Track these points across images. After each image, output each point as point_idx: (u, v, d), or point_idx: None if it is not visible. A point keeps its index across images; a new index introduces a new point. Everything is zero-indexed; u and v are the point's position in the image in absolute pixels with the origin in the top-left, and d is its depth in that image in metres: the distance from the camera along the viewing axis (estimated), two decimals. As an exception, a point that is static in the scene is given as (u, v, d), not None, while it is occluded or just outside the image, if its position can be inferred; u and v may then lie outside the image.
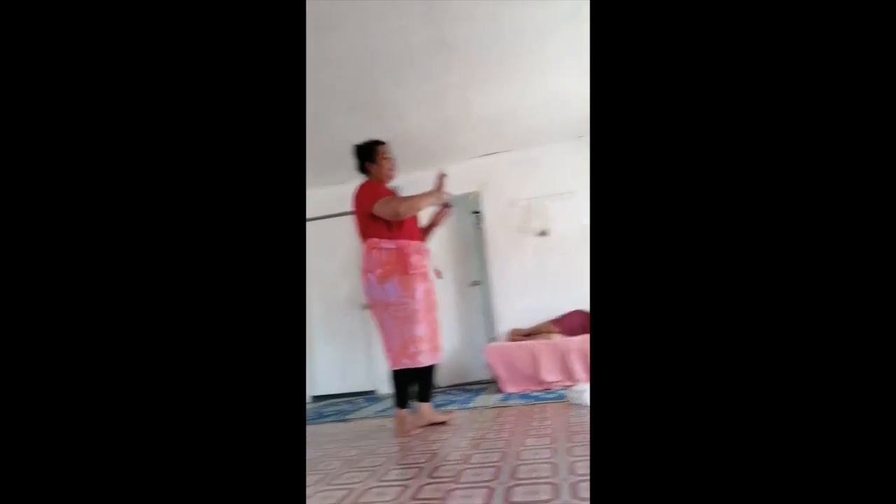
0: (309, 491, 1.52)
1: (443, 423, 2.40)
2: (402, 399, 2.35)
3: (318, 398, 4.48)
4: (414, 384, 2.39)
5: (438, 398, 3.48)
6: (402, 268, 2.25)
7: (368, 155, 2.45)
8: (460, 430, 2.25)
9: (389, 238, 2.27)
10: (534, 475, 1.39)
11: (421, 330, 2.26)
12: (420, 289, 2.29)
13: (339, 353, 4.50)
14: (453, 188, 4.39)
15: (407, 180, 4.50)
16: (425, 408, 2.40)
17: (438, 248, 4.52)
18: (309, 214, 4.52)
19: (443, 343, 2.43)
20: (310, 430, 2.82)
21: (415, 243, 2.35)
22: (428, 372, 2.37)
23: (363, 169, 2.47)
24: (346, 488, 1.51)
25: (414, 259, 2.30)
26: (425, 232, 2.52)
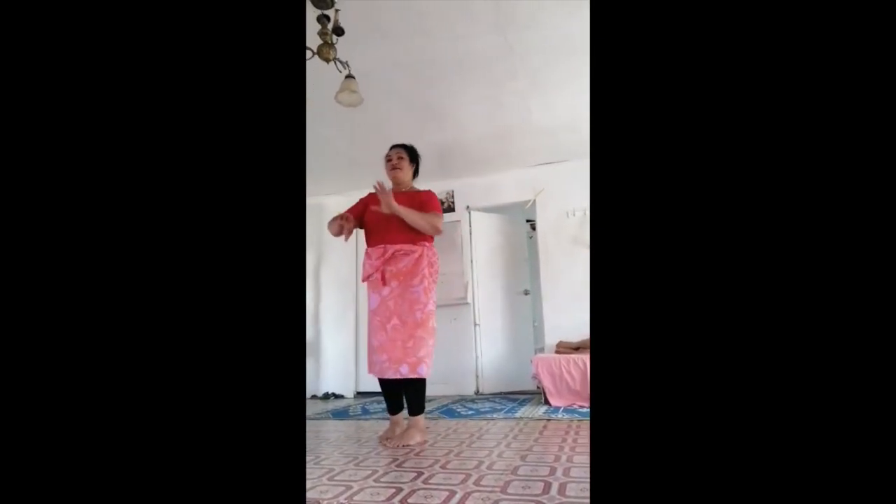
0: (355, 486, 1.55)
1: (410, 444, 2.18)
2: (388, 405, 2.37)
3: (361, 394, 4.57)
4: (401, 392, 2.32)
5: (485, 405, 3.46)
6: (363, 276, 2.33)
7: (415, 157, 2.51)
8: (504, 439, 2.23)
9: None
10: (583, 494, 1.36)
11: (375, 340, 2.22)
12: (373, 297, 2.28)
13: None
14: (509, 196, 4.38)
15: (461, 185, 4.53)
16: (408, 422, 2.28)
17: (490, 256, 4.50)
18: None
19: (428, 360, 2.20)
20: (356, 424, 2.87)
21: (371, 249, 2.33)
22: (408, 384, 2.24)
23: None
24: (394, 487, 1.52)
25: (365, 266, 2.32)
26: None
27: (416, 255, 2.28)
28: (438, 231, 2.33)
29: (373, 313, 2.28)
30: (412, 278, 2.25)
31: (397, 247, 2.28)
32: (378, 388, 4.43)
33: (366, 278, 2.32)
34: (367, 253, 2.36)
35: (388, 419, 2.59)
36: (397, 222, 2.26)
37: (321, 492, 1.53)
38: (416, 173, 2.54)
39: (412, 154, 2.50)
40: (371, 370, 2.26)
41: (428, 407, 3.58)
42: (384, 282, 2.27)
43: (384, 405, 3.80)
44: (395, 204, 2.16)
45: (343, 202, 4.91)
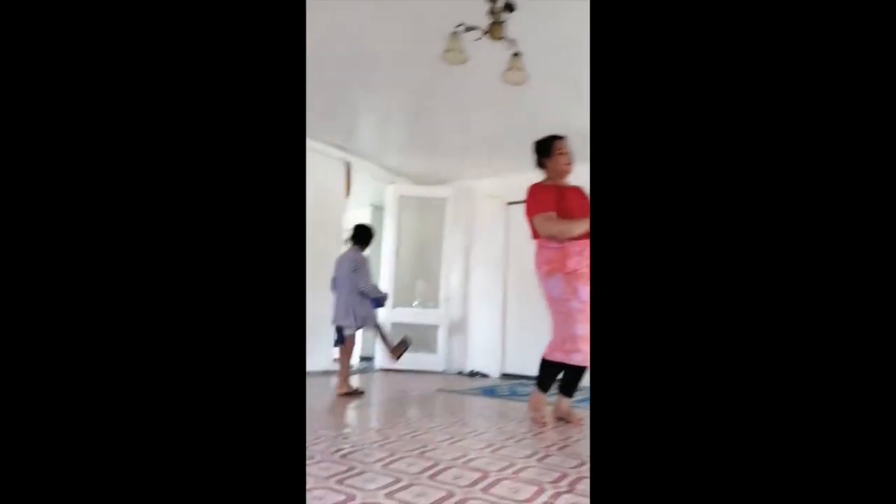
0: (519, 463, 1.56)
1: (573, 422, 2.32)
2: (544, 384, 2.40)
3: (506, 375, 4.61)
4: (558, 375, 2.39)
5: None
6: (563, 267, 2.26)
7: (545, 150, 2.42)
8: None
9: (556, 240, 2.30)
10: None
11: (580, 330, 2.22)
12: (582, 290, 2.23)
13: (532, 336, 4.54)
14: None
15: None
16: (564, 402, 2.40)
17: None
18: (511, 199, 4.62)
19: None
20: (506, 404, 2.91)
21: (579, 245, 2.27)
22: (579, 370, 2.34)
23: (540, 164, 2.45)
24: (558, 471, 1.50)
25: (573, 260, 2.26)
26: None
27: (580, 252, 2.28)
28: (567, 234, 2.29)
29: (585, 304, 2.26)
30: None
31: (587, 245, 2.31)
32: (524, 372, 4.43)
33: (571, 271, 2.29)
34: (574, 247, 2.28)
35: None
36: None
37: (487, 462, 1.56)
38: None
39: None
40: (575, 358, 2.26)
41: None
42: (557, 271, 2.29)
43: (531, 388, 3.80)
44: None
45: (495, 184, 4.97)
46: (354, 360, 5.57)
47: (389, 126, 4.17)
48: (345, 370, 3.14)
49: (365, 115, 3.98)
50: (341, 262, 3.26)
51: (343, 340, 3.23)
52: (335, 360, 4.46)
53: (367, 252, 3.28)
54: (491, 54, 2.49)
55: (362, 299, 3.14)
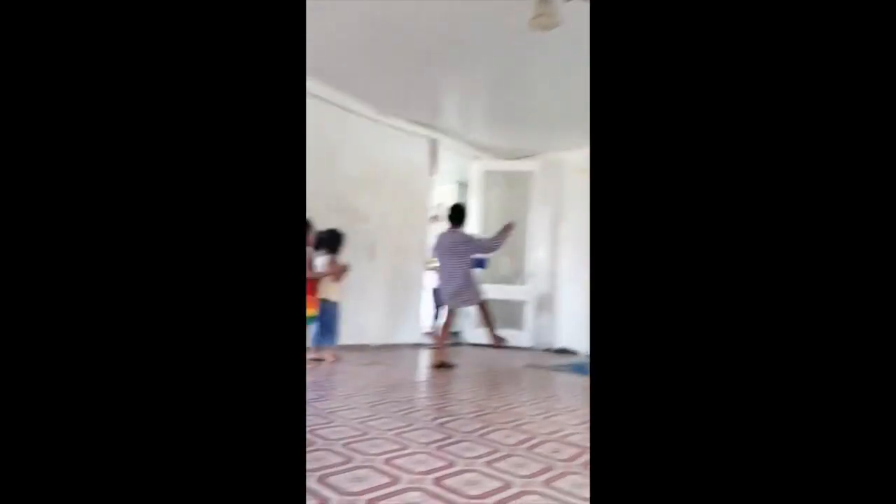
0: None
1: None
2: None
3: (559, 351, 4.48)
4: None
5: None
6: None
7: None
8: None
9: None
10: None
11: None
12: None
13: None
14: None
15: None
16: None
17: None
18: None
19: None
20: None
21: None
22: None
23: None
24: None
25: None
26: None
27: None
28: None
29: None
30: None
31: None
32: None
33: None
34: None
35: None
36: None
37: (583, 439, 1.55)
38: None
39: None
40: None
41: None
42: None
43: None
44: None
45: (584, 156, 4.77)
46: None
47: (474, 101, 4.13)
48: (441, 344, 3.25)
49: (450, 92, 3.97)
50: (443, 240, 3.29)
51: (444, 315, 3.36)
52: (428, 333, 4.61)
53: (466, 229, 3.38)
54: (579, 17, 2.36)
55: (469, 279, 3.20)
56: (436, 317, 3.71)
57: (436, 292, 4.09)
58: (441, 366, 3.11)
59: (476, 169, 5.17)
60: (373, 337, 4.20)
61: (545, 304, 4.92)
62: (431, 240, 3.90)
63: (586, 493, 1.08)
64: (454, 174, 5.87)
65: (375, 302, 4.25)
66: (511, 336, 4.76)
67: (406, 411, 1.82)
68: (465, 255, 3.17)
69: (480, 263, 3.39)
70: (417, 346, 4.52)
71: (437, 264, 3.32)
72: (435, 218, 6.29)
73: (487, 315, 3.34)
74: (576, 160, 4.84)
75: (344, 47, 3.26)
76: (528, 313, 4.88)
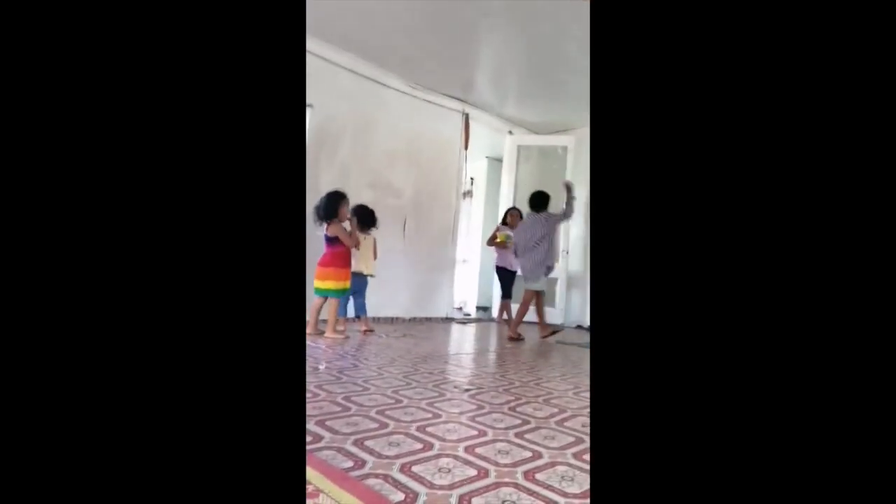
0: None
1: None
2: None
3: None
4: None
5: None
6: None
7: None
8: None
9: None
10: None
11: None
12: None
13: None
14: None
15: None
16: None
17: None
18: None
19: None
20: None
21: None
22: None
23: None
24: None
25: None
26: None
27: None
28: None
29: None
30: None
31: None
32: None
33: None
34: None
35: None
36: None
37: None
38: None
39: None
40: None
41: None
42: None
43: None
44: None
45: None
46: (472, 309, 5.77)
47: (508, 75, 4.06)
48: (518, 320, 3.60)
49: (483, 65, 3.91)
50: (525, 228, 3.66)
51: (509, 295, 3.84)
52: (499, 310, 4.63)
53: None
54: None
55: (539, 264, 3.52)
56: (503, 296, 4.30)
57: (500, 271, 4.33)
58: (516, 339, 3.49)
59: (509, 143, 5.10)
60: (404, 310, 4.28)
61: (577, 281, 4.88)
62: (462, 215, 3.94)
63: (616, 467, 1.09)
64: (487, 149, 5.81)
65: (407, 276, 4.31)
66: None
67: (438, 382, 1.86)
68: (542, 238, 3.50)
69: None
70: (448, 319, 4.58)
71: (519, 246, 3.66)
72: (468, 193, 6.27)
73: (540, 303, 3.66)
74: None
75: (378, 20, 3.24)
76: (560, 290, 4.86)
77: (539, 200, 3.65)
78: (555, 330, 3.72)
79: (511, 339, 3.49)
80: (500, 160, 5.32)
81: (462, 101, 4.59)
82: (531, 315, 3.63)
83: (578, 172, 4.87)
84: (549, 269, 3.59)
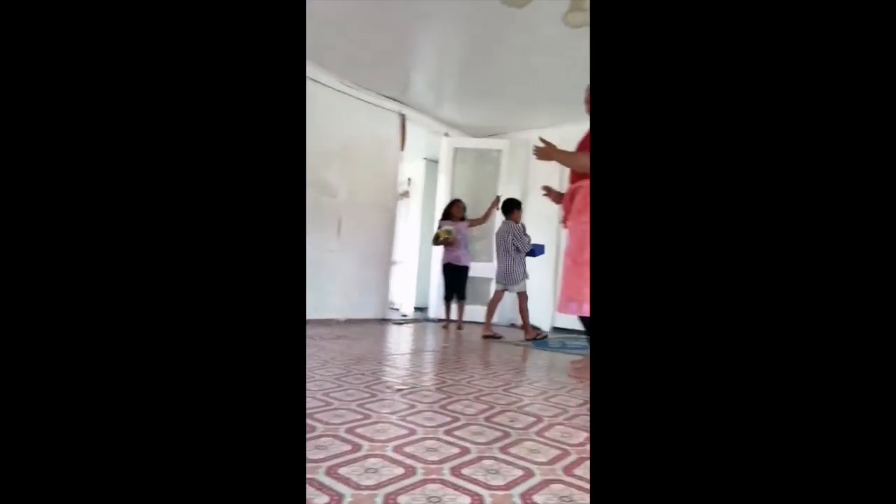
0: (571, 411, 1.60)
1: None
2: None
3: (557, 329, 4.65)
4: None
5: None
6: None
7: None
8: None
9: None
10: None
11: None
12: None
13: (587, 292, 4.51)
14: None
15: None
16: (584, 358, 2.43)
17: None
18: (571, 150, 4.47)
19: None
20: (555, 356, 2.95)
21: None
22: (585, 321, 2.32)
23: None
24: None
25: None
26: None
27: (585, 191, 2.24)
28: (582, 168, 2.25)
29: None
30: (580, 215, 2.23)
31: (573, 185, 2.33)
32: (575, 326, 4.44)
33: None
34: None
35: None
36: None
37: (540, 408, 1.62)
38: None
39: None
40: None
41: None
42: (564, 222, 2.39)
43: (582, 342, 3.83)
44: (551, 153, 2.32)
45: (553, 136, 4.78)
46: (409, 310, 5.77)
47: (445, 77, 4.10)
48: (489, 318, 3.85)
49: (420, 67, 3.93)
50: (500, 234, 3.86)
51: (499, 297, 3.94)
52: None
53: (521, 221, 3.92)
54: (553, -4, 2.37)
55: (515, 266, 3.77)
56: (459, 296, 4.29)
57: (449, 269, 4.30)
58: (490, 337, 3.71)
59: (445, 145, 5.15)
60: (339, 311, 4.21)
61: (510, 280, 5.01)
62: (399, 216, 3.92)
63: (540, 458, 1.14)
64: (424, 150, 5.84)
65: (342, 277, 4.24)
66: (478, 312, 4.84)
67: (370, 383, 1.85)
68: (512, 243, 3.75)
69: (533, 252, 3.87)
70: (384, 320, 4.56)
71: (498, 251, 3.90)
72: (405, 193, 6.25)
73: (523, 306, 3.83)
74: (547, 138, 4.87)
75: (314, 18, 3.17)
76: (494, 290, 4.96)
77: (508, 207, 3.88)
78: (539, 334, 3.91)
79: (486, 337, 3.70)
80: (437, 161, 5.36)
81: (399, 101, 4.59)
82: (456, 315, 3.68)
83: (513, 176, 5.01)
84: (513, 285, 3.82)
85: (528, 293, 3.92)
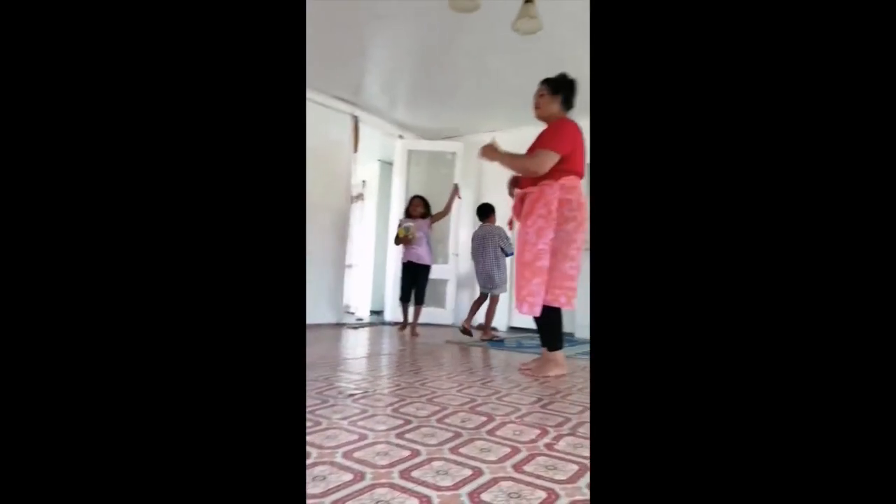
0: (523, 409, 1.62)
1: (548, 376, 2.31)
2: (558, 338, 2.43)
3: (514, 329, 4.71)
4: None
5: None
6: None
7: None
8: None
9: None
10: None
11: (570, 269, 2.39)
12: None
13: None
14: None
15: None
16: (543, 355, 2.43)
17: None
18: (523, 152, 4.55)
19: (531, 298, 2.28)
20: (511, 356, 2.99)
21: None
22: (537, 320, 2.37)
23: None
24: (562, 416, 1.56)
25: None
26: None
27: (534, 196, 2.31)
28: (530, 171, 2.30)
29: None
30: (527, 219, 2.31)
31: (526, 189, 2.39)
32: (531, 325, 4.53)
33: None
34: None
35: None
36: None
37: (493, 407, 1.63)
38: (567, 103, 2.41)
39: (555, 85, 2.39)
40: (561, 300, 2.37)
41: (581, 345, 3.54)
42: (510, 223, 2.53)
43: (537, 341, 3.89)
44: (494, 153, 2.37)
45: (506, 139, 4.86)
46: (365, 314, 5.70)
47: (398, 79, 4.08)
48: (489, 320, 3.96)
49: (372, 69, 3.89)
50: (476, 238, 3.96)
51: (483, 298, 4.01)
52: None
53: (497, 223, 3.99)
54: (504, 0, 2.40)
55: (497, 269, 3.86)
56: (418, 300, 4.10)
57: (409, 267, 4.14)
58: (488, 338, 3.85)
59: (399, 148, 5.14)
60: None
61: (466, 282, 5.04)
62: (353, 218, 3.87)
63: (490, 457, 1.15)
64: (378, 152, 5.79)
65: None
66: (434, 314, 4.85)
67: (322, 389, 1.82)
68: (494, 246, 3.83)
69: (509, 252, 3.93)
70: (339, 325, 4.48)
71: (474, 255, 3.98)
72: (359, 196, 6.18)
73: (491, 309, 3.91)
74: (498, 142, 4.93)
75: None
76: (450, 291, 4.98)
77: (485, 211, 3.96)
78: (495, 335, 4.01)
79: (486, 339, 3.83)
80: (391, 163, 5.33)
81: (352, 103, 4.53)
82: (437, 317, 3.68)
83: (467, 178, 5.04)
84: (496, 287, 3.90)
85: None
